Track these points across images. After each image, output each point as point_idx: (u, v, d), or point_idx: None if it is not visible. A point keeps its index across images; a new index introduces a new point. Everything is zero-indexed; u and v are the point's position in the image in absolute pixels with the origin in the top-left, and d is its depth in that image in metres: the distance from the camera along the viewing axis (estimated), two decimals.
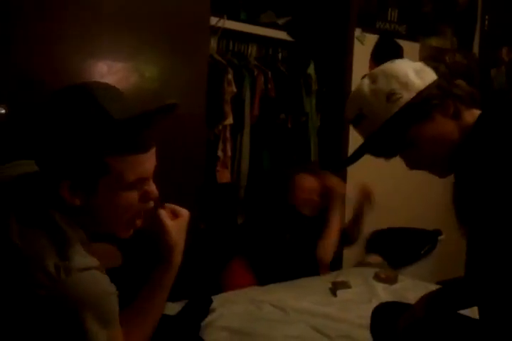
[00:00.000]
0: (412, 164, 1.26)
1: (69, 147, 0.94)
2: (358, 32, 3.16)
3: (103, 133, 0.93)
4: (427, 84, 1.17)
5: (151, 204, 1.06)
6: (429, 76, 1.18)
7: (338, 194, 2.45)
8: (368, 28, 3.22)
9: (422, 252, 3.21)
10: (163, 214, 1.09)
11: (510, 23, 3.64)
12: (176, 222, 1.09)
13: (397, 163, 3.68)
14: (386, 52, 3.31)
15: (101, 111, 0.94)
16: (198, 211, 2.29)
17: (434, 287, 2.28)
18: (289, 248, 2.39)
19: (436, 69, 1.20)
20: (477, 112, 1.19)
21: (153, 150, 1.02)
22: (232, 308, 1.86)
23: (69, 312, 0.90)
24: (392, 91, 1.16)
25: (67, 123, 0.94)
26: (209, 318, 1.71)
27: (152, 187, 1.05)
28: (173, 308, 1.70)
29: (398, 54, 3.35)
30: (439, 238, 3.31)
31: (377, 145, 1.25)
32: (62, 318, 0.90)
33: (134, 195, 1.01)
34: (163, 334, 1.37)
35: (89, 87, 0.97)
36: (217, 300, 1.93)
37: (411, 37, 3.46)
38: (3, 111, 1.68)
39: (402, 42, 3.36)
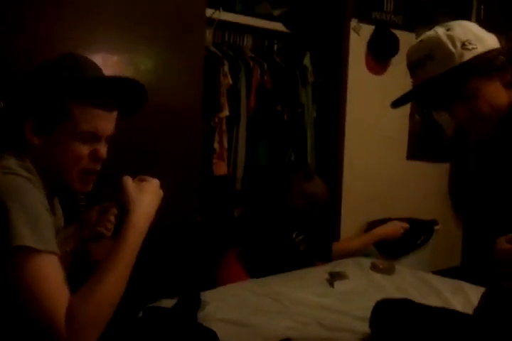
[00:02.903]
0: (460, 118, 1.27)
1: (39, 88, 1.10)
2: (353, 22, 3.14)
3: (72, 80, 1.08)
4: (496, 47, 1.22)
5: (98, 166, 1.15)
6: (496, 42, 1.24)
7: None
8: (364, 19, 3.21)
9: (419, 242, 3.22)
10: (125, 177, 1.13)
11: (505, 13, 3.63)
12: (137, 183, 1.12)
13: (393, 154, 3.71)
14: (382, 42, 3.29)
15: (76, 66, 1.12)
16: (197, 203, 2.29)
17: (431, 276, 2.30)
18: (285, 243, 2.40)
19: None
20: None
21: (113, 116, 1.15)
22: (230, 300, 1.86)
23: None
24: (468, 40, 1.19)
25: (45, 70, 1.12)
26: (206, 310, 1.71)
27: (103, 149, 1.15)
28: (169, 304, 1.70)
29: (395, 44, 3.33)
30: (435, 228, 3.33)
31: (433, 92, 1.26)
32: None
33: (83, 149, 1.12)
34: (162, 325, 1.38)
35: (77, 54, 1.17)
36: (214, 292, 1.93)
37: (407, 27, 3.44)
38: None
39: (398, 33, 3.34)
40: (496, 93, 1.21)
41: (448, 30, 1.22)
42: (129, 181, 1.11)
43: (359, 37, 3.19)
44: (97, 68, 1.17)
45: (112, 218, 1.33)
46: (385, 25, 3.29)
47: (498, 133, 1.23)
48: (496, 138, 1.25)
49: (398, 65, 3.41)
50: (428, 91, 1.27)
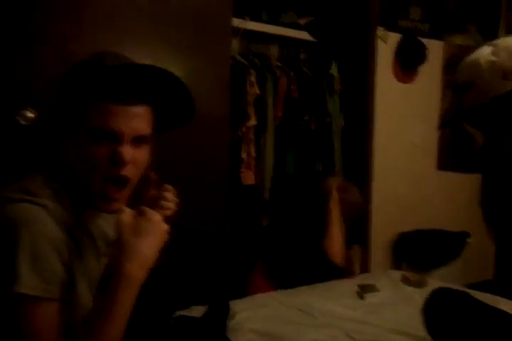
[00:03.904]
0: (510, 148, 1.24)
1: (62, 89, 1.02)
2: (380, 31, 3.12)
3: (87, 73, 0.98)
4: None
5: (121, 171, 1.00)
6: None
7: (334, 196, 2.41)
8: (391, 27, 3.19)
9: (451, 255, 3.15)
10: (123, 209, 0.99)
11: None
12: (135, 221, 0.97)
13: (423, 164, 3.66)
14: (409, 50, 3.26)
15: (96, 58, 1.02)
16: (225, 213, 2.27)
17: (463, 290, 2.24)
18: (310, 254, 2.37)
19: None
20: None
21: (135, 111, 0.99)
22: (260, 311, 1.84)
23: (2, 234, 0.90)
24: (510, 70, 1.14)
25: (70, 70, 1.03)
26: (236, 320, 1.69)
27: (124, 150, 0.98)
28: (199, 311, 1.69)
29: (422, 52, 3.31)
30: (467, 240, 3.25)
31: (478, 119, 1.23)
32: None
33: (102, 151, 0.98)
34: (190, 335, 1.36)
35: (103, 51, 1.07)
36: (243, 302, 1.91)
37: (435, 35, 3.42)
38: (32, 115, 1.68)
39: (425, 41, 3.32)
40: None
41: (493, 53, 1.16)
42: (125, 218, 0.97)
43: (386, 45, 3.17)
44: (120, 57, 1.04)
45: (169, 195, 1.15)
46: (411, 34, 3.27)
47: None
48: None
49: (426, 74, 3.38)
50: (472, 119, 1.23)
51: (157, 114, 1.06)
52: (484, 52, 1.18)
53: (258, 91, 2.56)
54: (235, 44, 2.61)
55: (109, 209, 1.03)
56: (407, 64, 3.29)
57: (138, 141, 1.01)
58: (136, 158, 1.01)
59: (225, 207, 2.24)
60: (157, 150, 1.10)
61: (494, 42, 1.20)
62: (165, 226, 0.99)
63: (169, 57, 2.14)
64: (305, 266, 2.34)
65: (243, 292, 2.14)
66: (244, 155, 2.52)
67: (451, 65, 3.44)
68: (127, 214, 0.98)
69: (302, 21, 2.91)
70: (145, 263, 0.95)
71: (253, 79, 2.55)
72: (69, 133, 1.00)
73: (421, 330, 1.69)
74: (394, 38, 3.21)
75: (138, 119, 1.00)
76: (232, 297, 1.88)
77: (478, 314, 1.38)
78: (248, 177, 2.54)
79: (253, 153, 2.55)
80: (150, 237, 0.96)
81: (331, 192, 2.38)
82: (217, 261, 2.11)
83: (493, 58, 1.15)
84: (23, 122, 1.65)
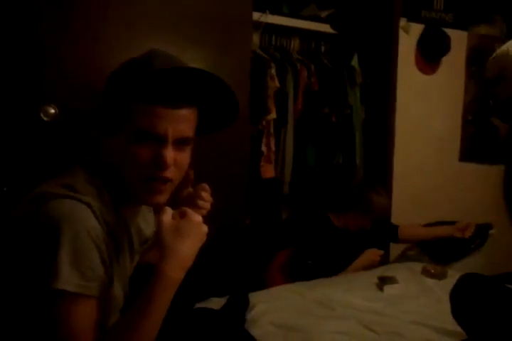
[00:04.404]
0: None
1: (107, 86, 1.02)
2: (402, 22, 3.09)
3: (133, 74, 0.98)
4: None
5: (164, 173, 1.00)
6: None
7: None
8: (414, 18, 3.15)
9: (472, 246, 3.13)
10: (165, 210, 0.99)
11: None
12: (176, 221, 0.98)
13: (445, 155, 3.62)
14: (433, 41, 3.22)
15: (145, 59, 1.01)
16: (245, 206, 2.30)
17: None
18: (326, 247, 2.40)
19: None
20: None
21: (180, 114, 0.99)
22: (278, 303, 1.86)
23: (45, 229, 0.91)
24: None
25: (118, 68, 1.04)
26: (254, 312, 1.72)
27: (167, 152, 0.98)
28: (218, 303, 1.72)
29: (445, 43, 3.26)
30: (490, 232, 3.22)
31: (509, 112, 1.22)
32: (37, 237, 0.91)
33: (143, 152, 0.98)
34: (210, 327, 1.39)
35: (160, 49, 1.06)
36: (262, 294, 1.94)
37: (458, 25, 3.35)
38: (52, 110, 1.72)
39: (449, 31, 3.26)
40: None
41: None
42: (166, 219, 0.97)
43: (408, 36, 3.13)
44: (170, 59, 1.03)
45: (205, 195, 1.17)
46: (435, 24, 3.22)
47: None
48: None
49: (449, 65, 3.33)
50: (505, 112, 1.22)
51: (201, 116, 1.06)
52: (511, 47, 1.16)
53: (278, 85, 2.56)
54: (256, 38, 2.61)
55: (152, 201, 1.03)
56: (430, 55, 3.24)
57: (181, 143, 1.02)
58: (178, 160, 1.02)
59: (246, 201, 2.26)
60: None
61: None
62: (205, 228, 1.00)
63: (190, 51, 2.15)
64: (323, 262, 2.37)
65: (261, 284, 2.17)
66: (264, 149, 2.54)
67: (475, 55, 3.39)
68: (168, 214, 0.98)
69: (323, 14, 2.90)
70: (184, 264, 0.96)
71: (273, 72, 2.55)
72: (111, 131, 1.01)
73: (441, 321, 1.71)
74: (417, 28, 3.17)
75: (184, 122, 1.00)
76: (250, 289, 1.90)
77: (507, 299, 1.37)
78: (268, 171, 2.56)
79: (273, 147, 2.56)
80: (190, 238, 0.97)
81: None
82: (236, 253, 2.14)
83: None
84: (45, 118, 1.70)
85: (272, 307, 1.81)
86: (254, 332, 1.55)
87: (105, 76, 1.09)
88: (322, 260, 2.37)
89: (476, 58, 3.38)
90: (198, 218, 0.99)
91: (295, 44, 2.83)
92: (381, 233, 2.65)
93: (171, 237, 0.96)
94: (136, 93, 0.97)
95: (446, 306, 1.53)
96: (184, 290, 1.02)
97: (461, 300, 1.47)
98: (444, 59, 3.29)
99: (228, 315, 1.55)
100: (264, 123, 2.54)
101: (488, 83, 1.21)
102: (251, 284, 2.10)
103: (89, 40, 1.86)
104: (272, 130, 2.57)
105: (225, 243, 2.04)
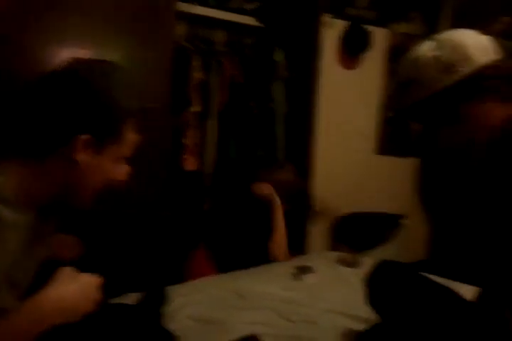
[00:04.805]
0: (451, 141, 1.22)
1: (95, 102, 1.00)
2: (326, 18, 3.15)
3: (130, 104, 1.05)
4: (488, 62, 1.13)
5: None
6: (491, 54, 1.14)
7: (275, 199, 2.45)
8: (337, 14, 3.22)
9: (386, 236, 3.28)
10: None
11: (478, 10, 3.67)
12: (74, 272, 1.02)
13: (363, 149, 3.73)
14: (355, 38, 3.31)
15: (83, 81, 1.00)
16: (165, 199, 2.28)
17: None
18: (251, 237, 2.41)
19: (500, 48, 1.16)
20: None
21: None
22: (197, 296, 1.86)
23: None
24: (452, 62, 1.12)
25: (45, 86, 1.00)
26: (172, 307, 1.71)
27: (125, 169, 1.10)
28: (135, 298, 1.69)
29: (367, 40, 3.36)
30: (402, 222, 3.38)
31: (422, 114, 1.22)
32: None
33: (123, 170, 1.09)
34: (125, 323, 1.38)
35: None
36: (180, 288, 1.93)
37: (380, 23, 3.47)
38: None
39: (371, 29, 3.37)
40: (487, 113, 1.13)
41: (434, 48, 1.15)
42: (65, 269, 1.00)
43: (332, 32, 3.20)
44: (109, 72, 1.07)
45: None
46: (357, 21, 3.31)
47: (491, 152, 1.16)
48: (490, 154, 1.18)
49: (371, 61, 3.45)
50: (416, 114, 1.22)
51: None
52: (426, 48, 1.16)
53: (202, 77, 2.56)
54: (181, 29, 2.59)
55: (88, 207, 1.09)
56: (352, 51, 3.34)
57: None
58: None
59: (165, 193, 2.25)
60: None
61: (436, 36, 1.18)
62: (97, 294, 1.02)
63: (112, 41, 2.11)
64: (246, 252, 2.39)
65: (182, 278, 2.16)
66: (186, 141, 2.53)
67: (396, 52, 3.52)
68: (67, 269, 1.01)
69: (249, 7, 2.91)
70: (60, 308, 0.95)
71: (197, 64, 2.54)
72: (96, 145, 1.02)
73: (356, 309, 1.77)
74: (340, 25, 3.25)
75: None
76: (170, 283, 1.89)
77: (419, 285, 1.43)
78: (190, 163, 2.55)
79: (196, 139, 2.56)
80: (79, 288, 0.99)
81: (273, 198, 2.41)
82: (156, 246, 2.13)
83: (436, 53, 1.13)
84: None
85: (191, 300, 1.81)
86: (171, 326, 1.53)
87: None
88: (247, 247, 2.39)
89: (396, 55, 3.51)
90: (96, 280, 1.03)
91: (221, 36, 2.82)
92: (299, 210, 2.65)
93: (62, 276, 0.98)
94: (130, 122, 1.05)
95: (361, 294, 1.60)
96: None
97: (375, 287, 1.50)
98: (366, 55, 3.40)
99: (144, 310, 1.54)
100: (187, 115, 2.53)
101: (401, 85, 1.22)
102: (170, 278, 2.09)
103: (10, 30, 1.79)
104: (195, 122, 2.56)
105: (145, 236, 2.03)
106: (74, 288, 0.98)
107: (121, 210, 1.71)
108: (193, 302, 1.80)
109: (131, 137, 1.06)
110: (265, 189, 2.41)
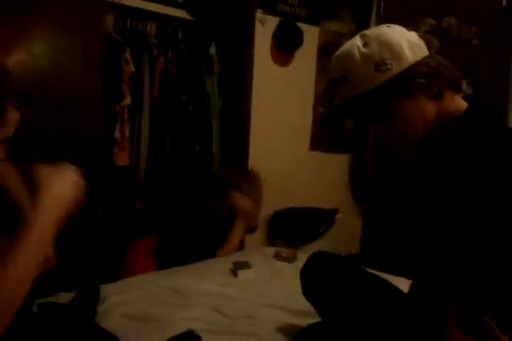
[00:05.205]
0: (383, 137, 1.22)
1: None
2: (259, 13, 3.16)
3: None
4: (418, 59, 1.12)
5: None
6: (421, 51, 1.14)
7: (243, 211, 2.49)
8: (270, 10, 3.23)
9: (320, 230, 3.33)
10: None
11: (402, 10, 3.80)
12: (50, 167, 1.05)
13: (297, 145, 3.76)
14: (287, 34, 3.34)
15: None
16: (95, 196, 2.21)
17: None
18: (192, 235, 2.40)
19: (429, 44, 1.16)
20: (459, 98, 1.16)
21: None
22: (132, 294, 1.81)
23: None
24: (383, 60, 1.11)
25: None
26: (106, 305, 1.66)
27: None
28: (67, 297, 1.63)
29: (299, 37, 3.40)
30: (336, 216, 3.45)
31: (353, 112, 1.21)
32: None
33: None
34: (58, 322, 1.32)
35: None
36: (115, 286, 1.88)
37: (311, 21, 3.51)
38: None
39: (302, 26, 3.40)
40: (420, 109, 1.13)
41: (364, 45, 1.13)
42: (40, 165, 1.03)
43: (264, 28, 3.21)
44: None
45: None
46: (289, 18, 3.34)
47: (435, 151, 1.17)
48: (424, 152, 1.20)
49: (302, 58, 3.49)
50: (347, 112, 1.22)
51: None
52: (355, 44, 1.14)
53: (133, 69, 2.49)
54: (110, 20, 2.51)
55: None
56: (285, 47, 3.36)
57: None
58: None
59: (96, 190, 2.17)
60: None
61: (364, 32, 1.17)
62: (80, 180, 1.08)
63: (37, 30, 2.01)
64: (185, 248, 2.36)
65: (117, 276, 2.10)
66: (117, 136, 2.45)
67: (326, 50, 3.58)
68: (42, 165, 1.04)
69: None
70: (60, 200, 1.00)
71: (128, 56, 2.47)
72: None
73: (292, 303, 1.79)
74: (272, 21, 3.26)
75: None
76: (103, 281, 1.84)
77: (353, 276, 1.44)
78: (122, 159, 2.48)
79: (127, 134, 2.48)
80: (65, 179, 1.04)
81: (242, 214, 2.47)
82: (87, 245, 2.06)
83: (364, 50, 1.12)
84: None
85: (125, 298, 1.76)
86: (106, 325, 1.49)
87: None
88: (193, 245, 2.36)
89: (327, 53, 3.57)
90: (73, 168, 1.08)
91: (152, 28, 2.77)
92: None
93: (45, 174, 1.01)
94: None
95: (296, 288, 1.61)
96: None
97: (311, 277, 1.51)
98: (298, 52, 3.44)
99: (77, 309, 1.48)
100: (118, 108, 2.45)
101: (331, 82, 1.19)
102: (103, 276, 2.03)
103: None
104: (126, 116, 2.49)
105: (75, 235, 1.95)
106: (61, 180, 1.02)
107: None
108: (129, 300, 1.76)
109: (12, 116, 1.01)
110: (245, 204, 2.48)
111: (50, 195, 0.98)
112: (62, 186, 1.01)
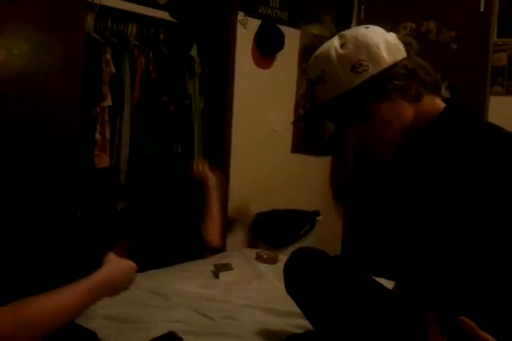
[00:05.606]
0: (361, 139, 1.20)
1: None
2: (240, 16, 3.16)
3: None
4: (395, 61, 1.11)
5: None
6: (399, 52, 1.12)
7: (210, 175, 2.43)
8: (251, 13, 3.24)
9: (302, 232, 3.34)
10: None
11: (383, 14, 3.84)
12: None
13: (278, 147, 3.78)
14: (268, 37, 3.35)
15: None
16: (75, 198, 2.19)
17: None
18: (173, 236, 2.38)
19: (407, 46, 1.14)
20: (438, 100, 1.15)
21: None
22: None
23: None
24: (360, 62, 1.09)
25: None
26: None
27: None
28: None
29: (280, 39, 3.41)
30: (317, 218, 3.47)
31: (330, 113, 1.20)
32: None
33: None
34: None
35: None
36: None
37: (293, 24, 3.53)
38: None
39: (283, 29, 3.42)
40: (397, 111, 1.12)
41: (342, 46, 1.12)
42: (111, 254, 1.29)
43: (246, 30, 3.21)
44: None
45: None
46: (271, 21, 3.35)
47: (412, 153, 1.16)
48: (414, 158, 1.17)
49: (284, 61, 3.50)
50: (325, 113, 1.21)
51: None
52: (332, 45, 1.13)
53: (114, 71, 2.47)
54: (91, 21, 2.49)
55: None
56: (266, 50, 3.37)
57: None
58: None
59: (76, 192, 2.15)
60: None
61: (342, 33, 1.15)
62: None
63: (16, 30, 1.99)
64: (171, 250, 2.34)
65: None
66: (98, 137, 2.43)
67: (307, 53, 3.59)
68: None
69: (162, 1, 2.86)
70: (113, 283, 1.27)
71: (109, 57, 2.45)
72: None
73: (273, 303, 1.80)
74: (254, 23, 3.27)
75: None
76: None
77: (336, 272, 1.45)
78: (102, 160, 2.46)
79: (108, 135, 2.46)
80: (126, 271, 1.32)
81: (205, 174, 2.38)
82: (66, 247, 2.03)
83: (341, 51, 1.11)
84: None
85: (106, 300, 1.74)
86: (86, 326, 1.48)
87: None
88: (169, 233, 2.34)
89: (308, 56, 3.57)
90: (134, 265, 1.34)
91: (133, 29, 2.75)
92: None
93: (116, 259, 1.29)
94: None
95: (277, 289, 1.61)
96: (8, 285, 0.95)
97: (294, 273, 1.51)
98: (279, 55, 3.45)
99: None
100: (98, 110, 2.43)
101: (310, 83, 1.18)
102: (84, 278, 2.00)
103: None
104: (106, 117, 2.47)
105: (54, 237, 1.93)
106: (121, 269, 1.27)
107: (29, 209, 1.62)
108: (109, 301, 1.73)
109: None
110: (201, 165, 2.39)
111: (110, 270, 1.22)
112: (122, 274, 1.26)
